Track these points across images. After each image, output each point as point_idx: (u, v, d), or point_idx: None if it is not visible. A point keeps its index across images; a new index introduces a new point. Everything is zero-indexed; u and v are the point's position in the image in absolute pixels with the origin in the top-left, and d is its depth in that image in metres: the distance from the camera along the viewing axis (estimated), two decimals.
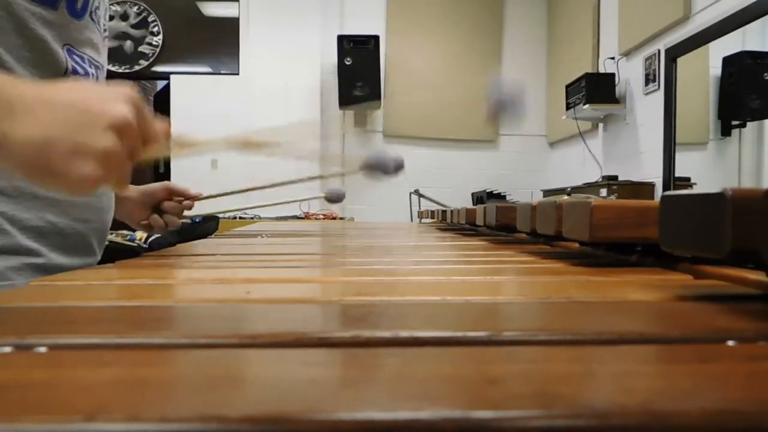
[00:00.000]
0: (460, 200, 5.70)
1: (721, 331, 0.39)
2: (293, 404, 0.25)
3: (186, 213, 1.38)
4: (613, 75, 5.16)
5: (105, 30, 1.16)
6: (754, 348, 0.35)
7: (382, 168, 1.16)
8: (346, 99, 6.24)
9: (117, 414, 0.23)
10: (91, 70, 1.08)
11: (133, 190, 1.31)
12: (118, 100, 0.70)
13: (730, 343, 0.35)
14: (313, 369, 0.30)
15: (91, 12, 1.07)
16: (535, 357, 0.33)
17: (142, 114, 0.72)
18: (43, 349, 0.33)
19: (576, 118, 5.43)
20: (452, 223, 2.14)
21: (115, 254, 1.12)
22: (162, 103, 6.74)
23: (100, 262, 1.16)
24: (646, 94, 4.72)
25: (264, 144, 0.93)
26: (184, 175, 5.32)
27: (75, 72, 1.03)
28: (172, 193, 1.33)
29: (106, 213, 1.15)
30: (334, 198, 1.71)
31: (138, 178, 0.97)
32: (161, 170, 5.97)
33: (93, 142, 0.66)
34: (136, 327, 0.42)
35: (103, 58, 1.13)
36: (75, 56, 1.03)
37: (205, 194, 1.39)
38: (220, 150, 0.91)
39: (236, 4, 6.57)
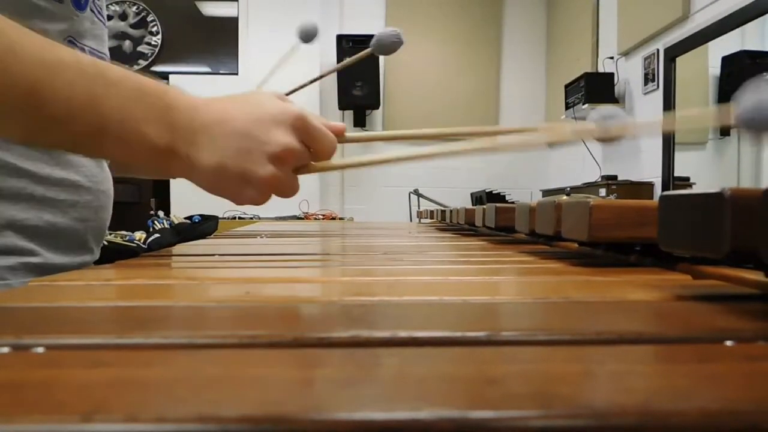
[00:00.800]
0: (459, 200, 5.71)
1: (720, 331, 0.39)
2: (292, 404, 0.25)
3: (185, 212, 1.41)
4: (612, 75, 5.16)
5: (105, 23, 1.15)
6: (753, 348, 0.35)
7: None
8: (345, 99, 6.25)
9: (114, 414, 0.23)
10: (269, 94, 1.08)
11: None
12: (281, 126, 0.75)
13: (729, 343, 0.35)
14: (312, 369, 0.30)
15: (91, 3, 1.07)
16: (534, 357, 0.33)
17: (308, 134, 0.77)
18: (40, 350, 0.33)
19: (575, 118, 5.43)
20: (451, 224, 2.14)
21: (114, 254, 1.12)
22: None
23: (99, 262, 1.16)
24: (645, 93, 4.72)
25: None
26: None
27: None
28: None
29: (104, 212, 1.15)
30: (306, 35, 1.61)
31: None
32: None
33: (255, 170, 0.73)
34: (134, 327, 0.42)
35: (105, 48, 1.13)
36: (76, 48, 1.02)
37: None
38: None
39: (235, 3, 6.57)
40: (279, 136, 0.74)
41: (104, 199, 1.14)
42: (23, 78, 0.65)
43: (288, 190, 0.79)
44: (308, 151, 0.79)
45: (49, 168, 1.00)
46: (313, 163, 0.81)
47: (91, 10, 1.07)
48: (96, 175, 1.08)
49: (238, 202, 0.78)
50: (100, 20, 1.11)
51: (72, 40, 1.02)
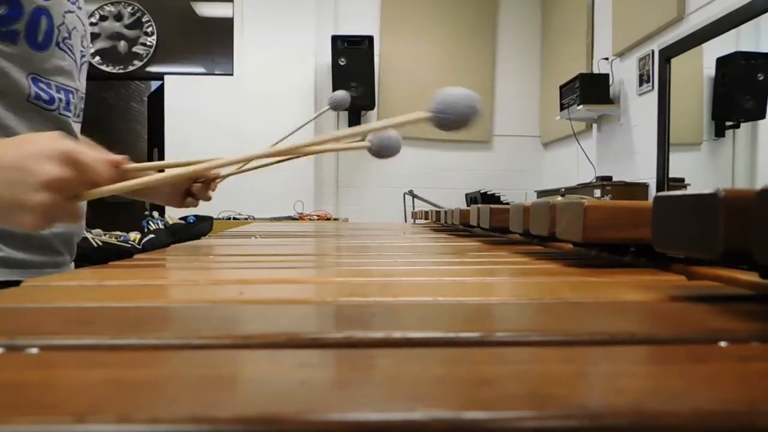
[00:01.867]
0: (454, 201, 5.70)
1: (714, 331, 0.39)
2: (285, 405, 0.25)
3: (180, 213, 1.51)
4: (607, 75, 5.16)
5: (83, 56, 1.24)
6: (746, 348, 0.35)
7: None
8: None
9: (108, 415, 0.23)
10: (59, 95, 1.16)
11: (166, 183, 1.44)
12: (51, 160, 0.81)
13: (723, 343, 0.35)
14: (306, 370, 0.30)
15: (57, 42, 1.14)
16: (528, 358, 0.33)
17: (78, 166, 0.82)
18: (34, 350, 0.33)
19: (570, 119, 5.43)
20: (446, 224, 2.14)
21: (108, 255, 1.14)
22: (156, 104, 6.74)
23: (95, 263, 1.17)
24: (640, 94, 4.72)
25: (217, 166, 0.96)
26: None
27: (38, 97, 1.12)
28: (196, 178, 1.47)
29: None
30: (340, 104, 1.72)
31: None
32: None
33: (28, 199, 0.79)
34: (128, 328, 0.42)
35: (75, 82, 1.21)
36: (41, 83, 1.13)
37: (223, 173, 1.53)
38: (180, 174, 1.01)
39: (230, 4, 6.57)
40: (48, 168, 0.80)
41: None
42: None
43: (66, 215, 0.85)
44: (82, 181, 0.83)
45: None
46: (88, 191, 0.85)
47: (60, 48, 1.15)
48: None
49: (21, 228, 0.84)
50: (71, 57, 1.19)
51: (36, 76, 1.11)
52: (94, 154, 0.86)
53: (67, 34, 1.17)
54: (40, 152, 0.82)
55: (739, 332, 0.39)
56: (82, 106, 1.28)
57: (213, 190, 1.53)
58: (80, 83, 1.25)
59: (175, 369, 0.31)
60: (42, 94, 1.13)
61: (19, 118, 1.09)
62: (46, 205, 0.80)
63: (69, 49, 1.18)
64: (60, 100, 1.16)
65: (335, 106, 1.72)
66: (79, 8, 1.23)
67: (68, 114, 1.19)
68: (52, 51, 1.14)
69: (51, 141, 0.84)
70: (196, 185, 1.48)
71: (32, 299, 0.53)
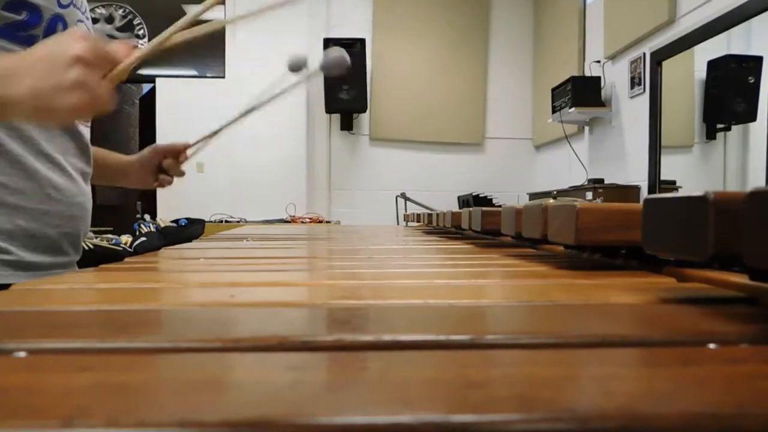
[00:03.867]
0: (446, 203, 5.71)
1: (704, 334, 0.39)
2: (273, 409, 0.24)
3: (171, 216, 1.55)
4: (598, 78, 5.18)
5: (86, 14, 1.29)
6: (736, 351, 0.35)
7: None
8: (332, 102, 6.25)
9: (95, 419, 0.23)
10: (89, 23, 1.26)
11: (134, 164, 1.55)
12: (72, 41, 0.86)
13: (712, 346, 0.35)
14: (295, 373, 0.30)
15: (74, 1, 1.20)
16: (517, 360, 0.33)
17: (97, 45, 0.88)
18: (22, 354, 0.33)
19: (562, 122, 5.45)
20: (438, 227, 2.14)
21: (99, 258, 1.17)
22: (147, 107, 6.73)
23: (85, 266, 1.19)
24: (632, 97, 4.74)
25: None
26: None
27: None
28: (164, 153, 1.55)
29: (78, 220, 1.26)
30: (296, 66, 1.70)
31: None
32: None
33: (64, 77, 0.84)
34: (118, 331, 0.42)
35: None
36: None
37: (192, 142, 1.60)
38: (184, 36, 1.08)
39: (222, 7, 6.57)
40: (74, 44, 0.85)
41: (77, 210, 1.25)
42: None
43: (101, 95, 0.88)
44: (104, 58, 0.89)
45: (22, 181, 1.12)
46: (115, 70, 0.90)
47: (74, 6, 1.20)
48: (67, 189, 1.20)
49: (65, 116, 0.90)
50: (84, 17, 1.25)
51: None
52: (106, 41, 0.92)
53: None
54: (62, 39, 0.88)
55: (728, 334, 0.39)
56: None
57: (183, 162, 1.58)
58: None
59: (163, 372, 0.31)
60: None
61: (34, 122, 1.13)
62: (82, 80, 0.85)
63: (80, 6, 1.23)
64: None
65: (328, 69, 1.66)
66: (87, 18, 1.28)
67: None
68: (71, 9, 1.18)
69: (67, 33, 0.92)
70: (167, 161, 1.54)
71: (21, 302, 0.52)
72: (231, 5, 6.53)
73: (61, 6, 1.15)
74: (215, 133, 1.49)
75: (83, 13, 1.25)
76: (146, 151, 1.57)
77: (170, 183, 1.58)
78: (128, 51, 0.92)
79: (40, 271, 1.16)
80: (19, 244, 1.13)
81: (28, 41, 1.10)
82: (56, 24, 1.15)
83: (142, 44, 0.98)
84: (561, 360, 0.33)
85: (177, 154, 1.57)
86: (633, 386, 0.28)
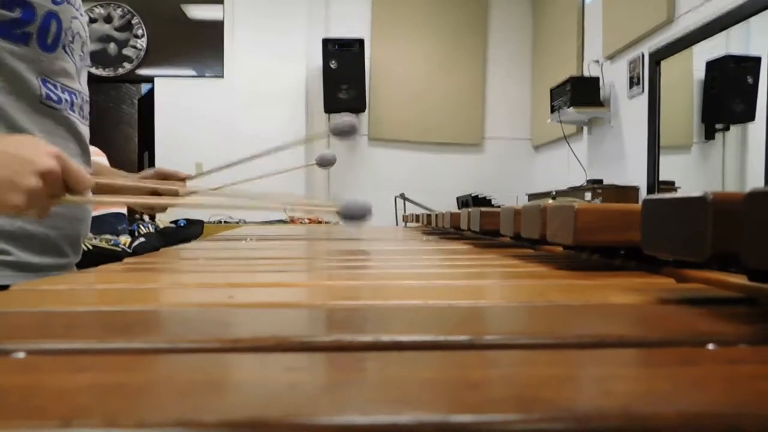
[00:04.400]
0: (445, 204, 5.70)
1: (702, 334, 0.39)
2: (272, 409, 0.24)
3: (171, 216, 1.61)
4: (597, 78, 5.17)
5: (82, 60, 1.30)
6: (735, 351, 0.35)
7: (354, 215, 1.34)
8: (331, 102, 6.25)
9: (94, 419, 0.23)
10: (64, 96, 1.23)
11: (134, 179, 1.56)
12: (47, 154, 0.91)
13: (711, 346, 0.35)
14: (294, 373, 0.30)
15: (63, 45, 1.21)
16: (516, 361, 0.33)
17: (66, 168, 0.93)
18: (21, 355, 0.33)
19: (561, 122, 5.44)
20: (437, 227, 2.15)
21: (99, 259, 1.17)
22: (146, 107, 6.73)
23: (84, 267, 1.20)
24: (631, 97, 4.73)
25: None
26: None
27: (49, 98, 1.18)
28: (165, 177, 1.55)
29: (79, 222, 1.28)
30: (326, 162, 1.77)
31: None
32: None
33: (23, 181, 0.88)
34: (116, 332, 0.42)
35: (77, 85, 1.28)
36: (49, 84, 1.19)
37: (194, 174, 1.62)
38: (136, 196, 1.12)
39: (221, 6, 6.56)
40: (46, 159, 0.91)
41: (78, 211, 1.26)
42: None
43: (41, 207, 0.94)
44: (67, 182, 0.94)
45: None
46: (66, 195, 0.96)
47: (65, 51, 1.21)
48: None
49: (6, 206, 0.91)
50: (73, 60, 1.25)
51: (45, 78, 1.17)
52: (79, 168, 0.97)
53: (71, 39, 1.23)
54: (42, 149, 0.92)
55: (727, 335, 0.39)
56: (89, 108, 1.34)
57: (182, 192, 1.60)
58: (82, 86, 1.30)
59: (162, 373, 0.31)
60: (51, 94, 1.18)
61: (32, 120, 1.15)
62: (36, 191, 0.89)
63: (72, 52, 1.24)
64: (66, 100, 1.23)
65: (322, 164, 1.78)
66: (82, 15, 1.29)
67: (73, 113, 1.24)
68: (58, 53, 1.20)
69: (49, 146, 0.94)
70: (164, 186, 1.55)
71: (21, 303, 0.52)
72: (230, 4, 6.53)
73: (54, 3, 1.16)
74: (218, 188, 1.53)
75: (77, 10, 1.26)
76: (149, 171, 1.60)
77: (162, 209, 1.66)
78: (89, 185, 0.98)
79: (40, 272, 1.17)
80: (20, 245, 1.14)
81: (23, 39, 1.12)
82: (50, 21, 1.16)
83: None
84: (560, 360, 0.33)
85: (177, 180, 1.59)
86: (632, 386, 0.28)
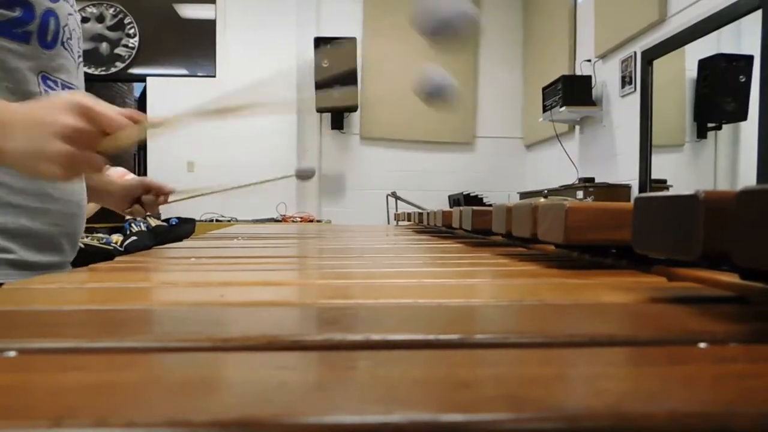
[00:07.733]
0: (437, 203, 5.71)
1: (693, 333, 0.39)
2: (262, 408, 0.24)
3: (162, 215, 1.64)
4: (589, 77, 5.19)
5: (79, 56, 1.32)
6: (725, 350, 0.35)
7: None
8: (323, 101, 6.25)
9: (84, 419, 0.23)
10: (64, 92, 1.23)
11: (117, 186, 1.60)
12: (62, 111, 0.88)
13: (701, 345, 0.35)
14: (284, 372, 0.30)
15: (62, 42, 1.22)
16: (507, 360, 0.33)
17: (91, 114, 0.89)
18: (12, 353, 0.33)
19: (552, 121, 5.45)
20: (428, 226, 2.15)
21: (90, 257, 1.18)
22: (138, 105, 6.72)
23: (75, 265, 1.22)
24: (623, 96, 4.74)
25: (238, 107, 1.03)
26: (160, 177, 5.33)
27: (48, 94, 1.18)
28: (149, 188, 1.60)
29: (75, 219, 1.29)
30: (305, 175, 1.84)
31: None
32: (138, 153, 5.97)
33: (46, 148, 0.86)
34: (108, 331, 0.41)
35: (75, 80, 1.29)
36: (49, 81, 1.20)
37: (178, 189, 1.67)
38: (194, 121, 1.07)
39: (213, 6, 6.56)
40: (63, 118, 0.87)
41: (75, 208, 1.28)
42: None
43: (86, 165, 0.92)
44: (97, 131, 0.90)
45: (23, 181, 1.14)
46: (106, 142, 0.92)
47: (64, 47, 1.23)
48: (67, 187, 1.23)
49: (46, 178, 0.94)
50: (72, 56, 1.27)
51: (45, 74, 1.18)
52: (108, 106, 0.93)
53: (69, 35, 1.25)
54: (55, 106, 0.89)
55: (718, 334, 0.39)
56: None
57: (161, 204, 1.65)
58: (80, 82, 1.32)
59: (152, 372, 0.31)
60: (50, 91, 1.19)
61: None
62: (65, 155, 0.87)
63: (70, 48, 1.26)
64: None
65: (301, 176, 1.86)
66: (75, 11, 1.30)
67: None
68: (58, 50, 1.22)
69: (66, 96, 0.92)
70: (148, 196, 1.60)
71: (11, 302, 0.52)
72: (221, 4, 6.53)
73: (51, 0, 1.17)
74: (201, 194, 1.58)
75: (71, 6, 1.27)
76: (134, 180, 1.65)
77: (142, 215, 1.65)
78: (126, 121, 0.93)
79: (41, 270, 1.17)
80: (22, 243, 1.15)
81: (24, 38, 1.12)
82: (49, 18, 1.16)
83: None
84: (550, 359, 0.33)
85: (160, 194, 1.62)
86: (622, 385, 0.28)
